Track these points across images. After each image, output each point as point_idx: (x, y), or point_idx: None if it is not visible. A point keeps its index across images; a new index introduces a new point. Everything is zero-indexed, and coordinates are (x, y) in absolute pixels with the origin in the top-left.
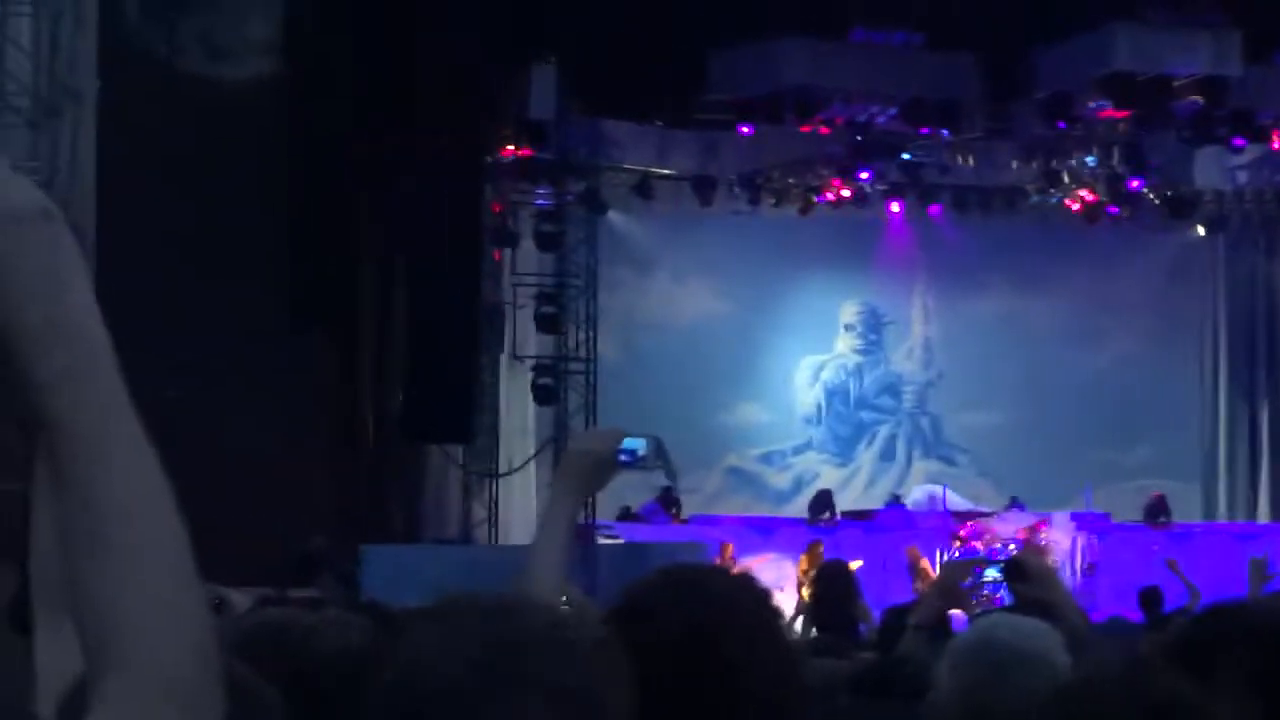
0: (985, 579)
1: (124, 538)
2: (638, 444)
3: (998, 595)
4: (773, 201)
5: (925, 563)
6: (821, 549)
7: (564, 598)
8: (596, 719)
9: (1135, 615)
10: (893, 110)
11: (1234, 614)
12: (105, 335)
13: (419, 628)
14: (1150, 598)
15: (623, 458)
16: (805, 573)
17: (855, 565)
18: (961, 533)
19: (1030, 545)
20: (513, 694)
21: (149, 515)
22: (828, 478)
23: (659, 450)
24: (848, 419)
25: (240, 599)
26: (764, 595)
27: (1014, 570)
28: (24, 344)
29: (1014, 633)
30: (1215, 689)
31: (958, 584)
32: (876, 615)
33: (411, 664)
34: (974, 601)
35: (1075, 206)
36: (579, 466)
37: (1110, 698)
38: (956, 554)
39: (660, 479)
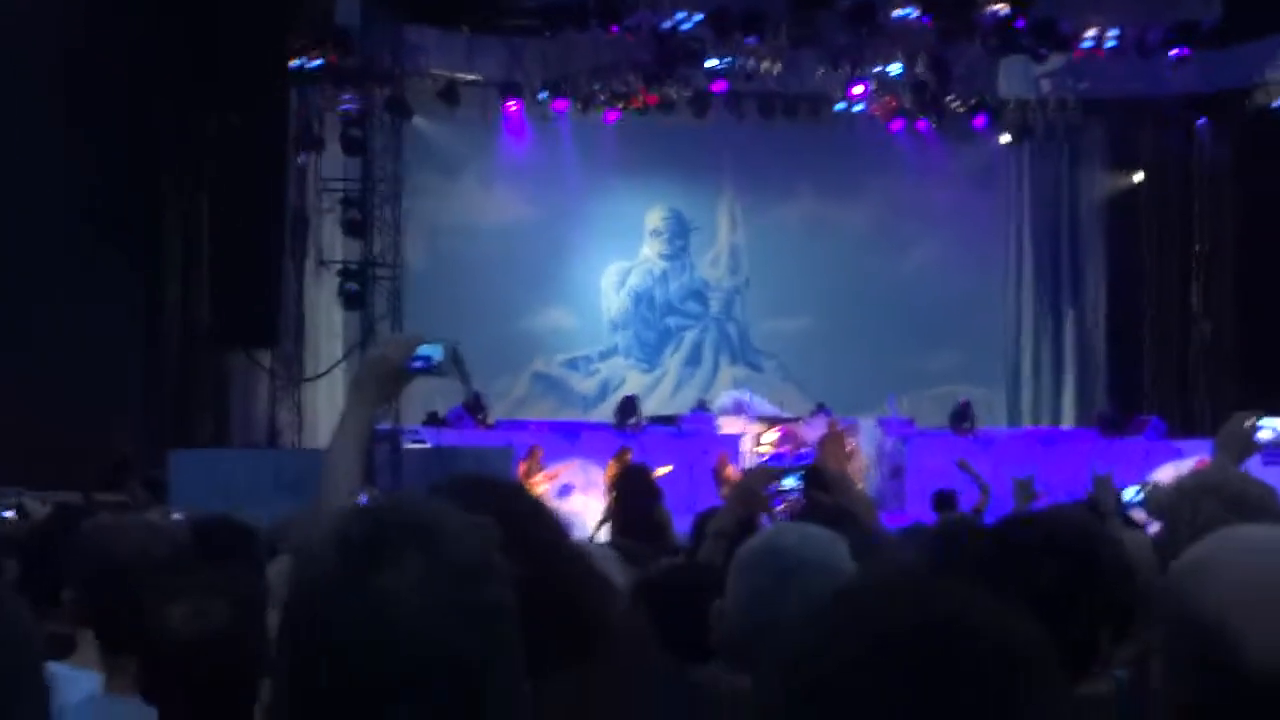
0: (785, 486)
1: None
2: (433, 350)
3: (799, 502)
4: (579, 107)
5: (732, 469)
6: (629, 455)
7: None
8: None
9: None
10: (699, 17)
11: (1031, 525)
12: None
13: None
14: (944, 500)
15: (417, 364)
16: (613, 479)
17: (664, 471)
18: (767, 438)
19: (830, 441)
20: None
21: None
22: (634, 383)
23: (454, 357)
24: (654, 324)
25: (37, 506)
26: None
27: (812, 477)
28: None
29: (800, 540)
30: (1006, 599)
31: (758, 490)
32: (686, 521)
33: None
34: (774, 508)
35: (881, 114)
36: (374, 372)
37: (882, 604)
38: (762, 460)
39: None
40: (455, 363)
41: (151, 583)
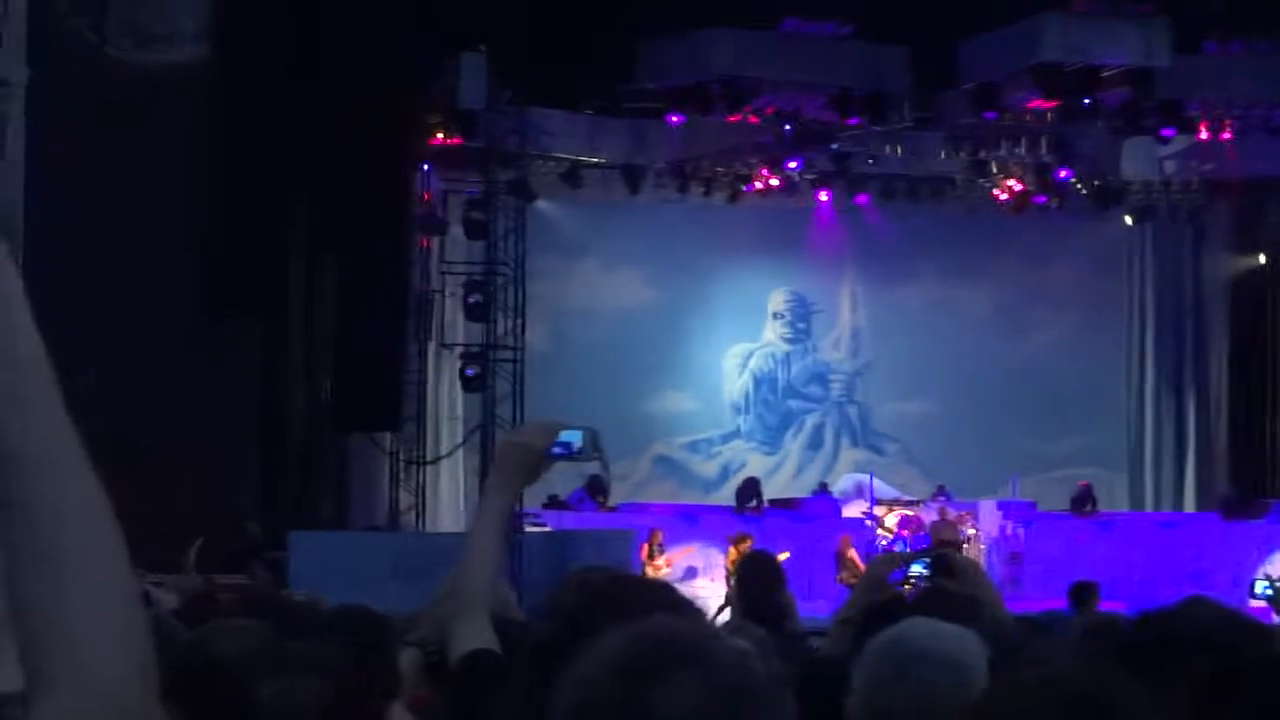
0: (912, 573)
1: (67, 557)
2: (574, 436)
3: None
4: (701, 190)
5: (854, 553)
6: (751, 541)
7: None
8: None
9: (1060, 605)
10: (821, 100)
11: (1181, 619)
12: (45, 356)
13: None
14: (1082, 592)
15: (557, 450)
16: (735, 564)
17: (783, 556)
18: (888, 522)
19: (943, 528)
20: None
21: (91, 535)
22: (755, 466)
23: (594, 442)
24: (775, 407)
25: (166, 596)
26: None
27: (941, 566)
28: None
29: (928, 633)
30: (1159, 695)
31: (884, 578)
32: (805, 606)
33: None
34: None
35: (1003, 196)
36: (515, 458)
37: (1044, 696)
38: (883, 544)
39: (590, 466)
40: (595, 448)
41: (241, 667)
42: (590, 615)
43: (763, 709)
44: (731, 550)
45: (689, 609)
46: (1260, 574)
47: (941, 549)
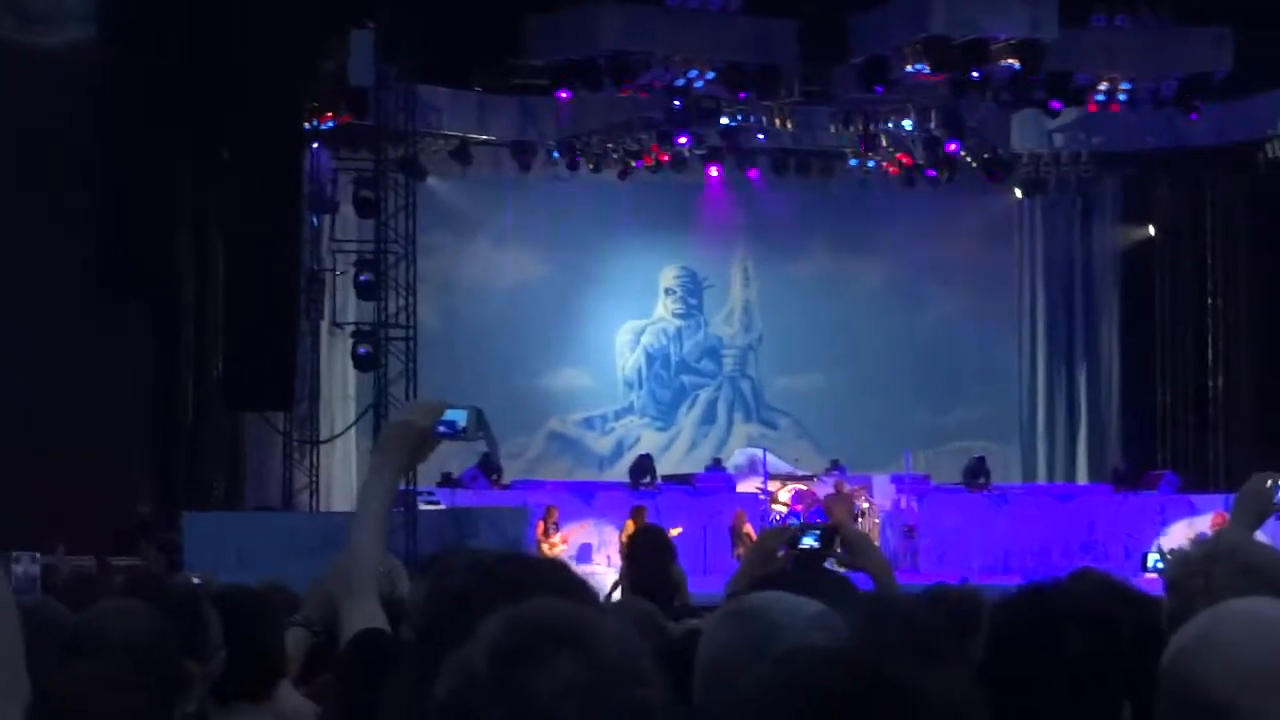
0: (803, 545)
1: None
2: (458, 415)
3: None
4: (591, 166)
5: (749, 527)
6: (645, 515)
7: (382, 568)
8: None
9: (954, 578)
10: (710, 75)
11: (1058, 592)
12: None
13: None
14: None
15: (442, 429)
16: (628, 539)
17: (675, 532)
18: (782, 496)
19: (837, 500)
20: None
21: None
22: (649, 442)
23: (480, 421)
24: (668, 383)
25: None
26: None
27: (831, 538)
28: None
29: (775, 602)
30: (1033, 668)
31: (775, 550)
32: (700, 581)
33: None
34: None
35: (893, 170)
36: (399, 438)
37: (820, 668)
38: (777, 518)
39: (482, 444)
40: (481, 427)
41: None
42: (478, 596)
43: (643, 689)
44: (628, 524)
45: (580, 588)
46: (1154, 547)
47: (833, 522)
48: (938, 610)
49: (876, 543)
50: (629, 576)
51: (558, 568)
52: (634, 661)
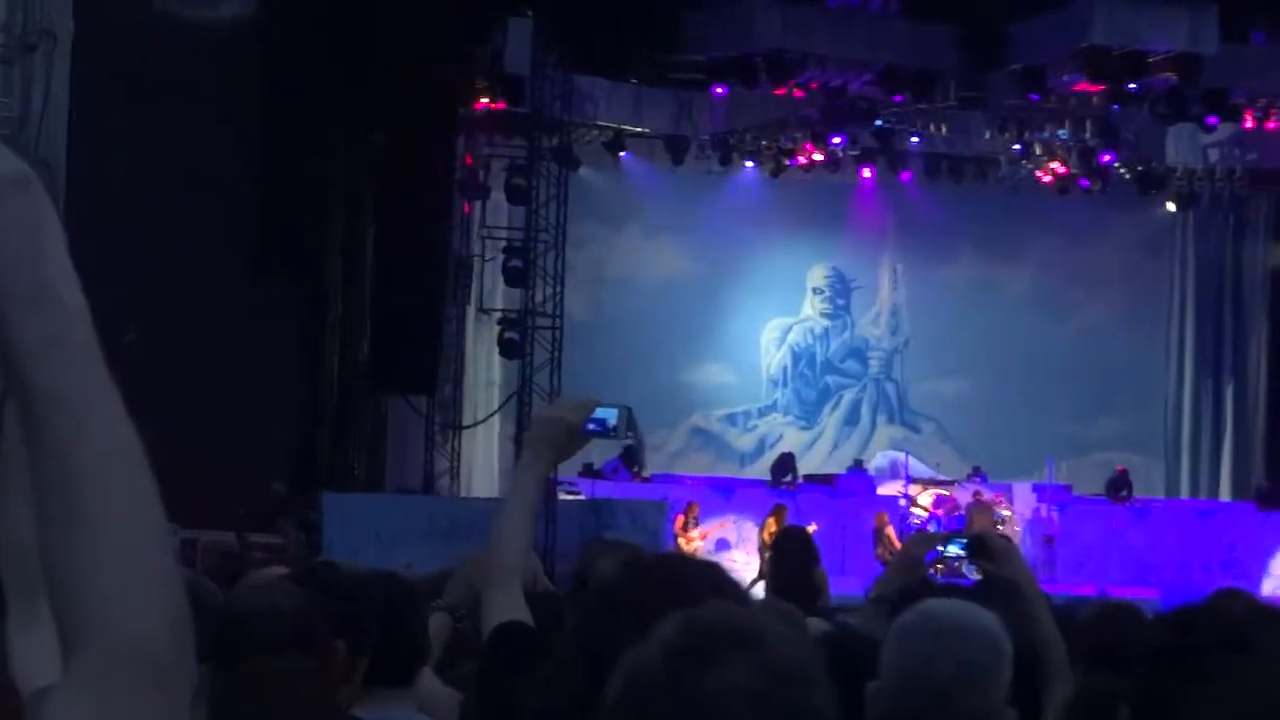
0: (949, 553)
1: (100, 509)
2: (609, 414)
3: (961, 570)
4: (744, 162)
5: (891, 529)
6: (786, 513)
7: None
8: None
9: (1091, 590)
10: (868, 76)
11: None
12: (83, 303)
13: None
14: None
15: (592, 427)
16: (771, 535)
17: (810, 529)
18: (922, 500)
19: (977, 509)
20: None
21: (126, 486)
22: (791, 440)
23: (629, 421)
24: (813, 382)
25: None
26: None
27: (977, 547)
28: (5, 312)
29: (956, 608)
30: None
31: (920, 557)
32: (838, 582)
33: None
34: (934, 576)
35: (1046, 178)
36: (549, 434)
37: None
38: (917, 522)
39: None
40: (630, 427)
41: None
42: (638, 595)
43: (815, 693)
44: (769, 521)
45: (736, 590)
46: None
47: (978, 530)
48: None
49: None
50: (772, 578)
51: (713, 568)
52: (805, 666)
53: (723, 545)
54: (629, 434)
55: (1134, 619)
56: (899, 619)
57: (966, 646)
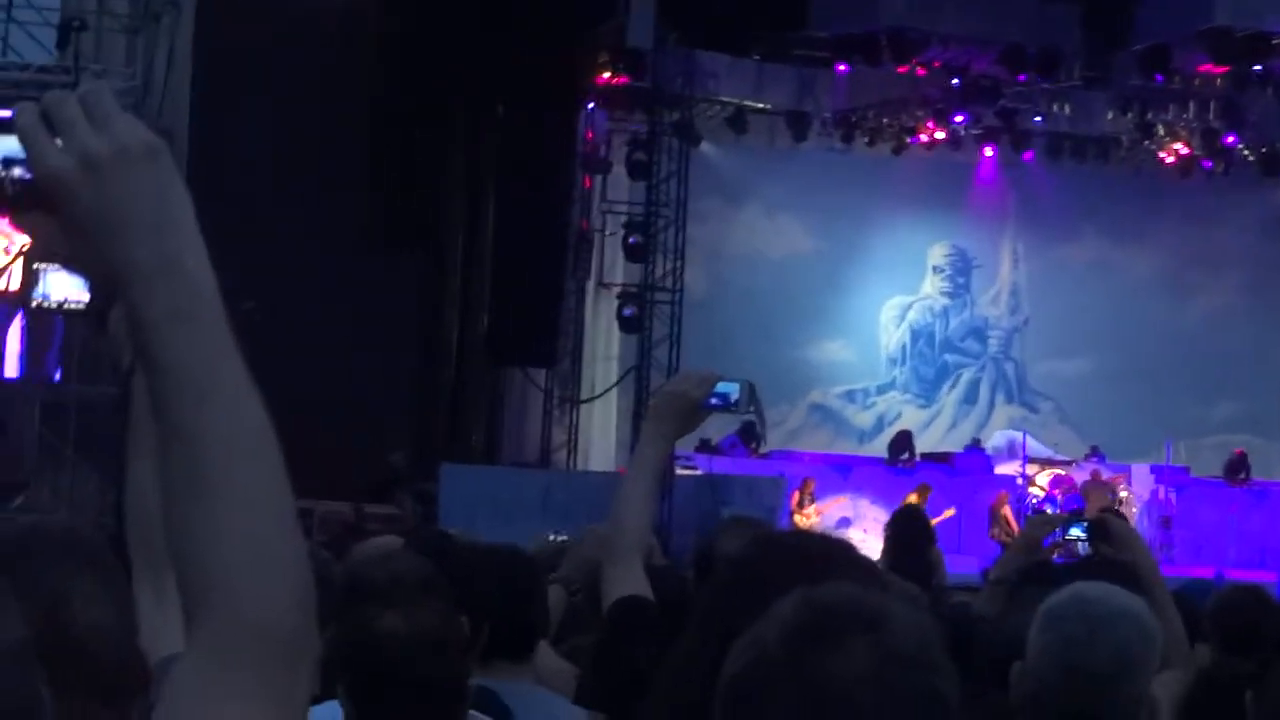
0: (1070, 536)
1: (225, 482)
2: (731, 388)
3: (1077, 552)
4: (866, 140)
5: (1008, 510)
6: (928, 493)
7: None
8: None
9: (1208, 572)
10: (991, 55)
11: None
12: (212, 276)
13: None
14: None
15: (714, 401)
16: (890, 519)
17: (949, 513)
18: (1040, 480)
19: (1093, 489)
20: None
21: (252, 459)
22: (909, 418)
23: (751, 395)
24: (931, 361)
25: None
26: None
27: (1098, 531)
28: (133, 283)
29: (1111, 593)
30: None
31: (1040, 539)
32: (953, 560)
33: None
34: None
35: (1169, 159)
36: (671, 409)
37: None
38: (1034, 502)
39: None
40: (752, 401)
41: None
42: (769, 571)
43: (937, 678)
44: (912, 496)
45: (868, 570)
46: None
47: (1099, 513)
48: None
49: None
50: (888, 555)
51: (845, 547)
52: (928, 650)
53: (843, 523)
54: (750, 409)
55: (1265, 603)
56: (1047, 602)
57: (1123, 632)
